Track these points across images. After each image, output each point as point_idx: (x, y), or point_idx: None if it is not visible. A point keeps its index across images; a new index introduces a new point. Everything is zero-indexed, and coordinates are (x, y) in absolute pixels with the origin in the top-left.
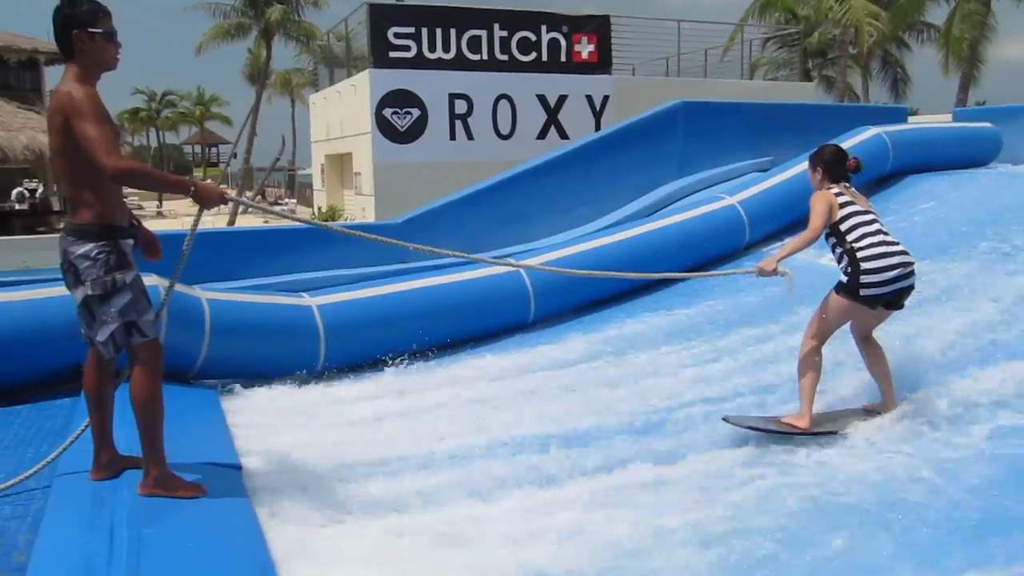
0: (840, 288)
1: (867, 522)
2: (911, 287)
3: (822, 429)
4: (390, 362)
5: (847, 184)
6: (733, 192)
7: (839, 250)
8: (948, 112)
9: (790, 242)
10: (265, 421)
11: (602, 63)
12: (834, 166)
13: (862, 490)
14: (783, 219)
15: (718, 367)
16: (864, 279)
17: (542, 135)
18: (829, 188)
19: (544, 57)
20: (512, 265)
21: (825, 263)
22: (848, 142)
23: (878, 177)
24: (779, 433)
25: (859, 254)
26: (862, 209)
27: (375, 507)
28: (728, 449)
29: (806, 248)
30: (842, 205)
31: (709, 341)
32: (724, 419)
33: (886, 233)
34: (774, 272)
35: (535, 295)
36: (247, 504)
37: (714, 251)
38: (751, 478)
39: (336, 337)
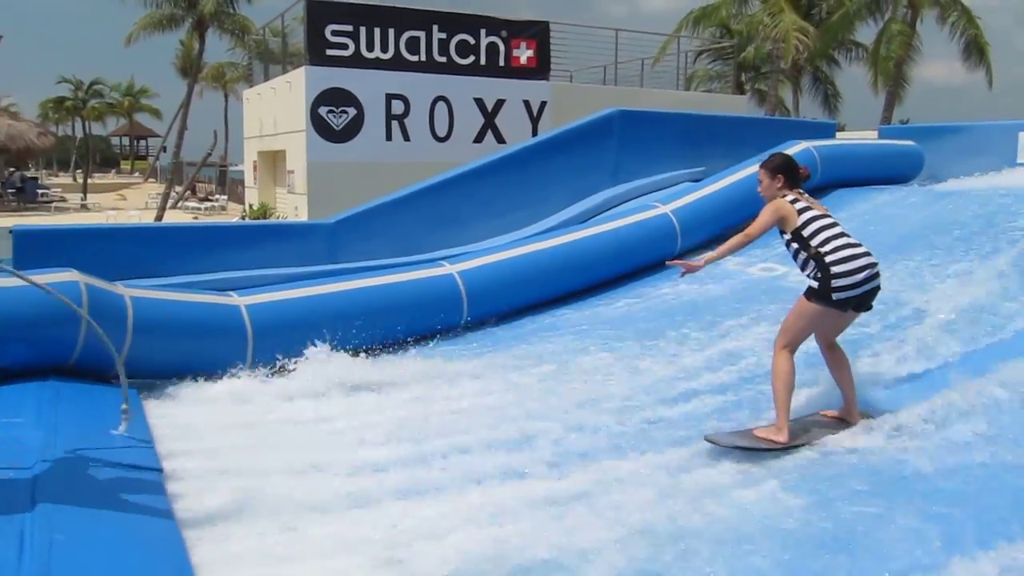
0: (811, 294)
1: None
2: (878, 287)
3: (798, 441)
4: (318, 362)
5: (801, 191)
6: (666, 201)
7: (803, 255)
8: (874, 129)
9: (724, 246)
10: (189, 422)
11: (540, 69)
12: (791, 172)
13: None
14: (714, 228)
15: (649, 373)
16: (836, 283)
17: (479, 139)
18: (784, 196)
19: (482, 61)
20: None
21: (753, 272)
22: None
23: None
24: (761, 450)
25: (827, 258)
26: (821, 213)
27: (301, 511)
28: (689, 461)
29: (738, 251)
30: (800, 211)
31: (637, 343)
32: (706, 438)
33: (848, 236)
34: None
35: (468, 298)
36: (167, 508)
37: (647, 258)
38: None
39: (265, 337)
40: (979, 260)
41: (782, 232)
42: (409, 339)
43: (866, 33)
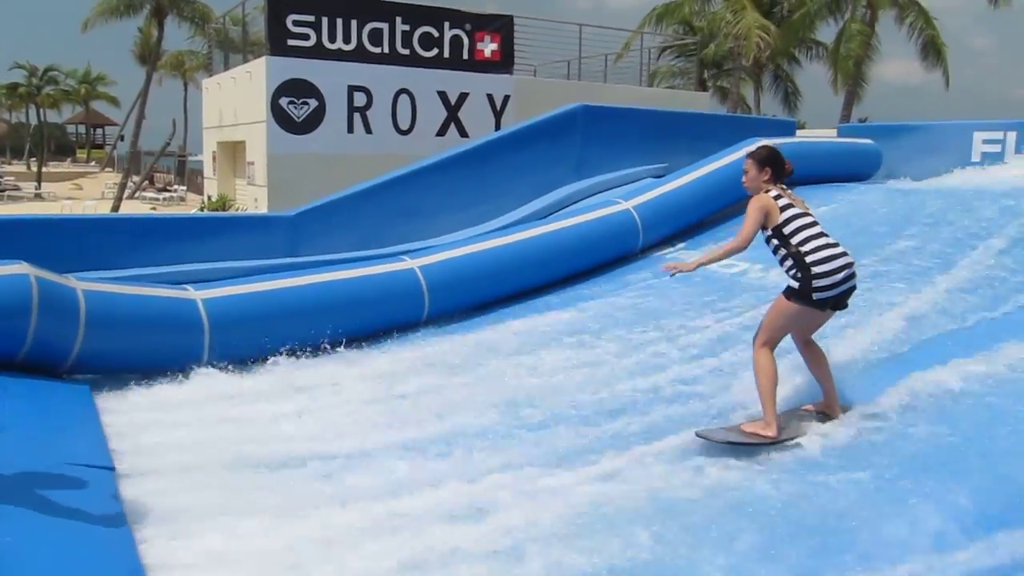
0: (791, 294)
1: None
2: (855, 287)
3: (786, 435)
4: (276, 358)
5: (784, 186)
6: (628, 197)
7: (783, 252)
8: (834, 127)
9: (718, 249)
10: (142, 419)
11: (504, 62)
12: (777, 166)
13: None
14: (676, 224)
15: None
16: (816, 283)
17: (442, 132)
18: (768, 191)
19: (446, 53)
20: None
21: (714, 268)
22: (739, 153)
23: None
24: (750, 445)
25: (808, 258)
26: (802, 211)
27: (256, 511)
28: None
29: (732, 256)
30: (782, 208)
31: (594, 341)
32: (697, 434)
33: (827, 235)
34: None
35: (429, 292)
36: (118, 508)
37: (608, 254)
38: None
39: (221, 332)
40: (945, 253)
41: (763, 228)
42: (370, 334)
43: (826, 32)
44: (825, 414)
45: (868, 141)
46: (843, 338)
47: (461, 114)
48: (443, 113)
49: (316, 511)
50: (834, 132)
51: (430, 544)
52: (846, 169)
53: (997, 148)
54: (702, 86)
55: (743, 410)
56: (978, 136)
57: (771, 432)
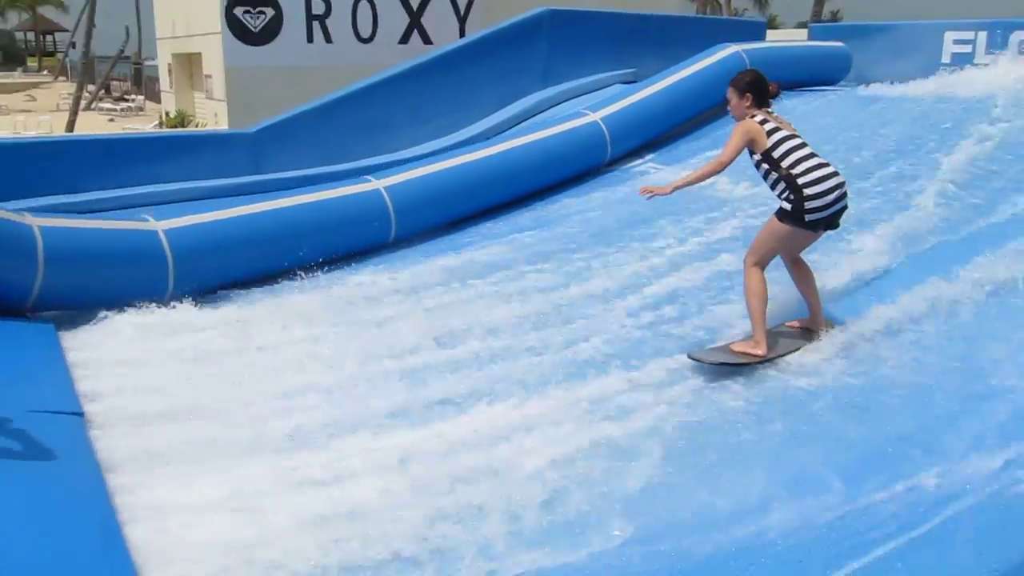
0: (784, 215)
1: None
2: (846, 206)
3: (776, 353)
4: (243, 287)
5: (770, 110)
6: (595, 108)
7: (774, 176)
8: (806, 21)
9: (695, 172)
10: (110, 357)
11: None
12: (760, 91)
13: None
14: (644, 135)
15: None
16: (808, 204)
17: (404, 39)
18: (754, 116)
19: None
20: None
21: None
22: (708, 60)
23: None
24: (742, 365)
25: (800, 180)
26: (790, 134)
27: (228, 453)
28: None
29: (710, 179)
30: (770, 133)
31: (563, 263)
32: (689, 356)
33: (817, 155)
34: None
35: (396, 214)
36: (89, 454)
37: (576, 167)
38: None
39: (185, 263)
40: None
41: (752, 153)
42: (337, 258)
43: None
44: (810, 330)
45: (839, 44)
46: (828, 255)
47: (424, 20)
48: (405, 20)
49: (279, 456)
50: (805, 33)
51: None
52: (817, 73)
53: (968, 48)
54: None
55: (728, 329)
56: (949, 36)
57: (761, 351)
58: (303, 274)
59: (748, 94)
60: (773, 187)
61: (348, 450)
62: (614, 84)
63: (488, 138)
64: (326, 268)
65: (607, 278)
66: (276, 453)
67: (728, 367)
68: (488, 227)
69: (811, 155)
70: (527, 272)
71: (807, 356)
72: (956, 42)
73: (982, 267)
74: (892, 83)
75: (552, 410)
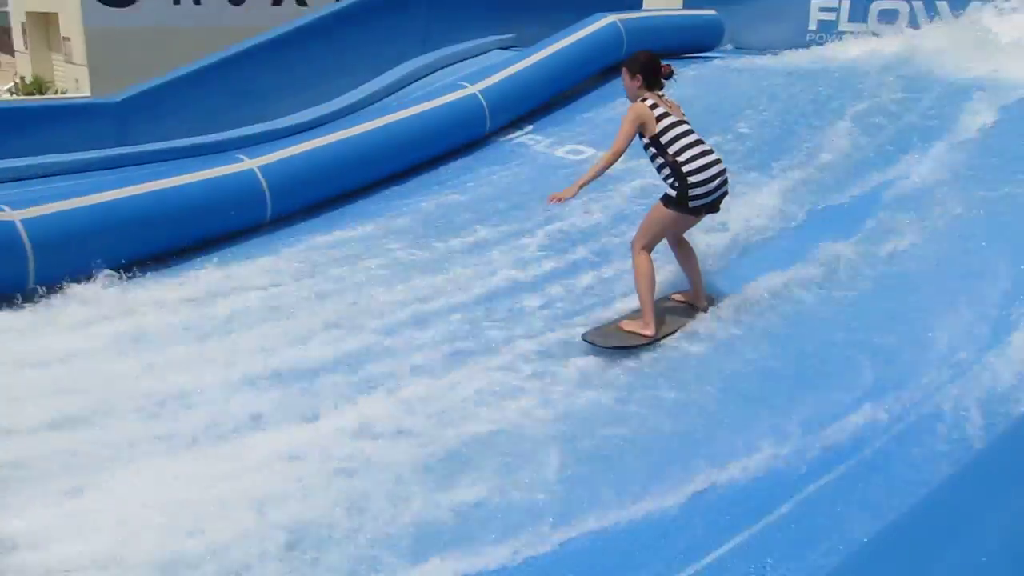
0: (668, 201)
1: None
2: (727, 192)
3: (664, 331)
4: (110, 277)
5: (661, 93)
6: (474, 80)
7: (660, 160)
8: None
9: (593, 167)
10: None
11: None
12: (651, 73)
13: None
14: (523, 107)
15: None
16: (692, 191)
17: (277, 2)
18: (644, 100)
19: None
20: None
21: (560, 155)
22: (584, 30)
23: (614, 63)
24: (633, 346)
25: (684, 168)
26: (678, 120)
27: (91, 466)
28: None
29: (609, 168)
30: (659, 118)
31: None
32: (583, 338)
33: (702, 142)
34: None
35: (271, 194)
36: None
37: (457, 140)
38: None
39: (45, 254)
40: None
41: (641, 136)
42: (209, 241)
43: None
44: (692, 305)
45: (712, 12)
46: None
47: None
48: None
49: (151, 461)
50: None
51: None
52: (691, 42)
53: (832, 16)
54: None
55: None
56: (815, 3)
57: (649, 331)
58: (170, 261)
59: (639, 75)
60: (659, 171)
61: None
62: (494, 49)
63: (366, 105)
64: (196, 253)
65: (491, 256)
66: (148, 459)
67: (621, 349)
68: (364, 204)
69: (696, 142)
70: (408, 250)
71: (692, 329)
72: (822, 10)
73: (858, 238)
74: (762, 52)
75: (439, 397)
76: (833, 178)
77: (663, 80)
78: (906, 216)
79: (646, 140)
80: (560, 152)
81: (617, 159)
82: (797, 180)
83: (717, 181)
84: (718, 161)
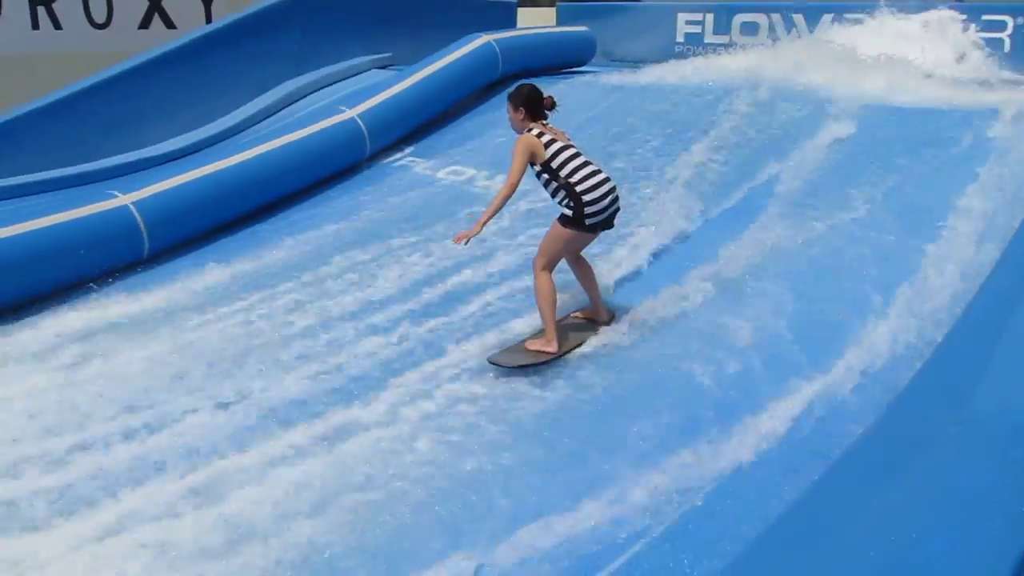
0: (566, 221)
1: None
2: (619, 208)
3: (567, 347)
4: None
5: (545, 122)
6: (352, 104)
7: (554, 185)
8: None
9: (492, 203)
10: None
11: None
12: (534, 105)
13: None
14: (401, 129)
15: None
16: (588, 210)
17: (145, 24)
18: (530, 130)
19: None
20: None
21: (442, 176)
22: (460, 51)
23: (490, 82)
24: (538, 364)
25: (577, 188)
26: (565, 144)
27: None
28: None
29: (507, 202)
30: (547, 145)
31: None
32: (488, 360)
33: (591, 163)
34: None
35: (148, 230)
36: None
37: (337, 165)
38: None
39: None
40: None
41: (532, 164)
42: (83, 282)
43: None
44: (593, 320)
45: (584, 28)
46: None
47: (165, 3)
48: (144, 3)
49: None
50: (553, 12)
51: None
52: (565, 57)
53: (698, 29)
54: None
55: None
56: (681, 17)
57: (552, 348)
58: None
59: (523, 108)
60: (554, 195)
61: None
62: (370, 69)
63: (243, 129)
64: (63, 298)
65: (381, 281)
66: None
67: (526, 368)
68: (252, 232)
69: (586, 163)
70: (297, 280)
71: (592, 345)
72: (688, 23)
73: (735, 250)
74: (635, 65)
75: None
76: (712, 188)
77: (546, 111)
78: (782, 222)
79: (538, 168)
80: (441, 174)
81: (514, 191)
82: (677, 191)
83: (610, 198)
84: (608, 180)
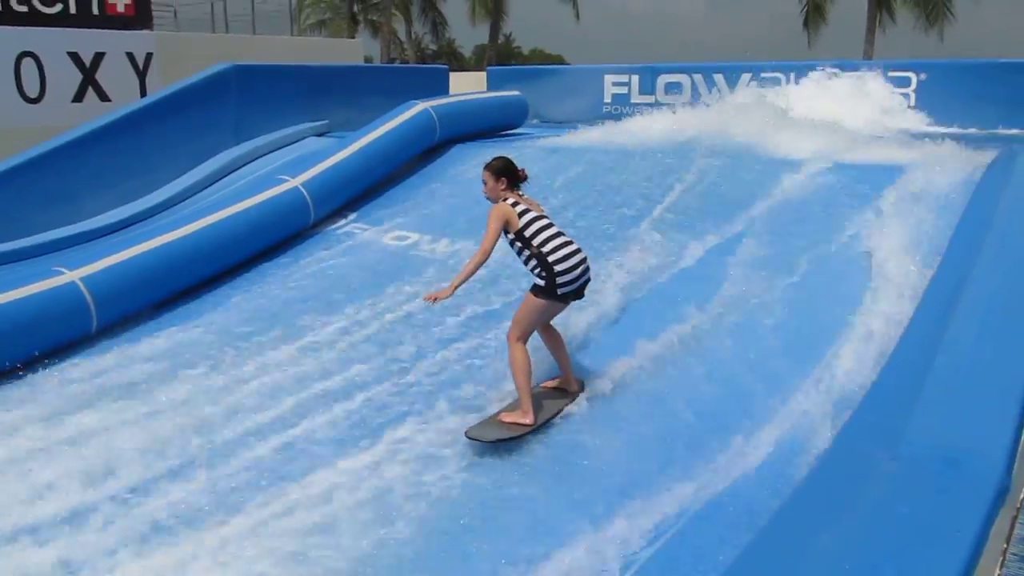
0: (538, 291)
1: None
2: (589, 279)
3: (542, 419)
4: None
5: (520, 192)
6: (294, 172)
7: (526, 253)
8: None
9: (465, 268)
10: None
11: (140, 17)
12: (511, 175)
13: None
14: (345, 195)
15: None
16: (559, 279)
17: (78, 98)
18: (506, 199)
19: (72, 9)
20: None
21: (388, 241)
22: (399, 118)
23: (427, 148)
24: (514, 439)
25: (550, 258)
26: (538, 215)
27: None
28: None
29: (480, 268)
30: (520, 214)
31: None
32: (467, 435)
33: (564, 234)
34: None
35: (96, 306)
36: None
37: (282, 234)
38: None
39: None
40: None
41: (506, 232)
42: (30, 360)
43: None
44: (563, 389)
45: (516, 93)
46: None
47: (99, 76)
48: (78, 76)
49: None
50: (484, 76)
51: None
52: (498, 121)
53: (624, 90)
54: (353, 20)
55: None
56: (608, 79)
57: (528, 420)
58: None
59: (503, 178)
60: (526, 263)
61: None
62: (308, 136)
63: (182, 199)
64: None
65: (334, 349)
66: None
67: (503, 442)
68: (193, 306)
69: (558, 234)
70: (238, 354)
71: (568, 411)
72: (615, 84)
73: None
74: (562, 123)
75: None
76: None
77: (520, 181)
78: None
79: (511, 236)
80: (387, 239)
81: (487, 258)
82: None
83: (581, 268)
84: (579, 251)
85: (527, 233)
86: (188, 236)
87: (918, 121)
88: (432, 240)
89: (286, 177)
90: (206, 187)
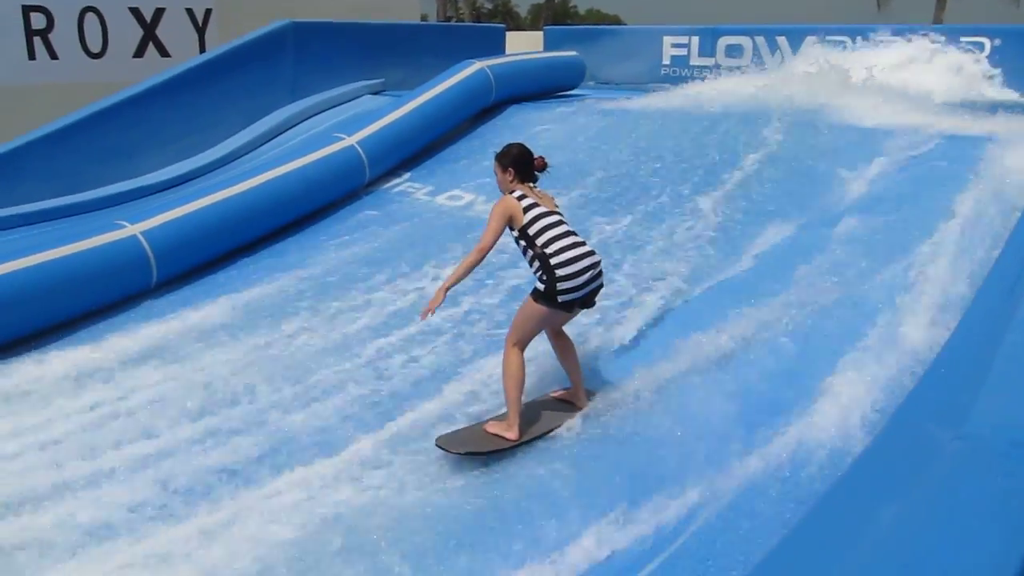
0: (538, 296)
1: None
2: (601, 285)
3: (529, 436)
4: None
5: (532, 185)
6: (350, 131)
7: (530, 253)
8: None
9: (458, 268)
10: None
11: None
12: (523, 166)
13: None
14: (399, 155)
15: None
16: (560, 286)
17: (139, 53)
18: (513, 192)
19: None
20: None
21: (441, 202)
22: (455, 78)
23: (483, 108)
24: (492, 452)
25: (552, 260)
26: (547, 210)
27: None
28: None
29: (474, 269)
30: (527, 209)
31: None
32: (437, 444)
33: (574, 233)
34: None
35: (156, 260)
36: None
37: (336, 193)
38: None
39: None
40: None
41: (511, 228)
42: (93, 313)
43: None
44: (571, 403)
45: (573, 54)
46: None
47: (159, 32)
48: (139, 32)
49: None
50: (541, 36)
51: None
52: (556, 82)
53: (684, 52)
54: None
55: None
56: (667, 40)
57: (513, 435)
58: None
59: (511, 169)
60: (530, 264)
61: None
62: (364, 95)
63: (239, 157)
64: (80, 328)
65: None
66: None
67: (478, 456)
68: (247, 263)
69: (567, 234)
70: (301, 317)
71: (561, 434)
72: (674, 45)
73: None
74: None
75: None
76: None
77: (536, 173)
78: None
79: (515, 233)
80: (441, 199)
81: (483, 257)
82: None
83: (588, 275)
84: (590, 254)
85: (531, 231)
86: (246, 192)
87: (992, 88)
88: (486, 200)
89: (342, 135)
90: (261, 145)
